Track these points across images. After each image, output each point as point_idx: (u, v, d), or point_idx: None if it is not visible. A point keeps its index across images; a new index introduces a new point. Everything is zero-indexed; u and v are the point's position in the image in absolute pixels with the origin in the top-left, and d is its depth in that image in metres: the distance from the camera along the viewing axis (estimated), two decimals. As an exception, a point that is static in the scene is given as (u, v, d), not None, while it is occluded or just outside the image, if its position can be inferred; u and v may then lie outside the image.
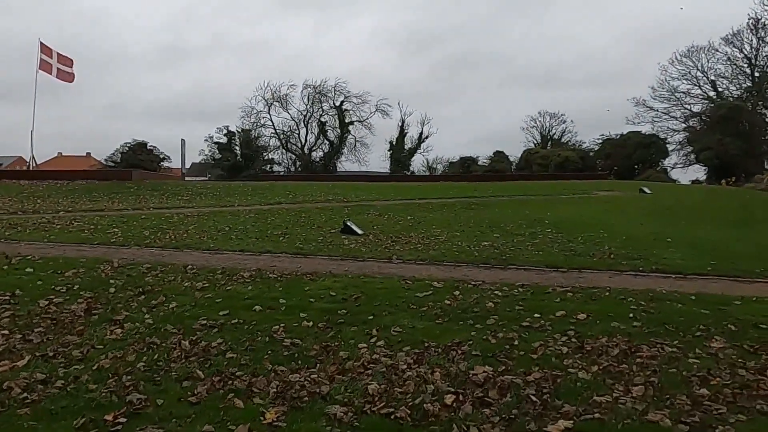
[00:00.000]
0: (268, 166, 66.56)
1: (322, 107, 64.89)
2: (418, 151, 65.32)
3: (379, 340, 4.81)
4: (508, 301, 6.09)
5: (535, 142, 61.92)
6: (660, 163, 42.54)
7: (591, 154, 46.59)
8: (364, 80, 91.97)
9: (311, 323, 5.25)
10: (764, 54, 39.51)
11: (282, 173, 62.03)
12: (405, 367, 4.21)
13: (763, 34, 38.89)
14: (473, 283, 6.99)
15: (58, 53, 33.34)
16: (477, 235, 11.85)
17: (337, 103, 64.08)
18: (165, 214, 13.84)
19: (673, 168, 43.56)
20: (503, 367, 4.20)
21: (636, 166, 42.23)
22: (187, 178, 58.90)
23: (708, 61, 42.94)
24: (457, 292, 6.41)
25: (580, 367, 4.22)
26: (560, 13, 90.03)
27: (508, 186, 26.22)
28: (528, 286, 6.86)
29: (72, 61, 34.66)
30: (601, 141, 47.28)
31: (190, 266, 7.62)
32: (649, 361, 4.34)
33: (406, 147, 64.89)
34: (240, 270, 7.45)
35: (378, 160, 73.55)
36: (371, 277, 7.31)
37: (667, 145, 42.90)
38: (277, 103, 64.68)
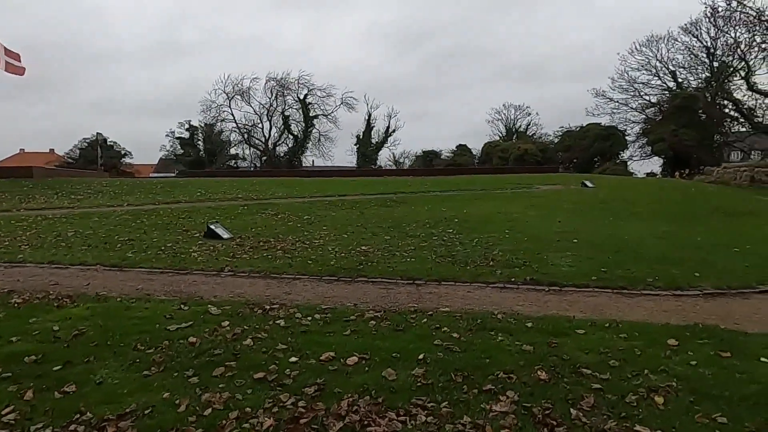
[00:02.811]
0: (233, 161, 64.69)
1: (285, 100, 62.87)
2: (385, 145, 64.02)
3: (13, 412, 3.29)
4: (281, 335, 4.62)
5: (501, 134, 60.87)
6: (619, 156, 41.65)
7: (551, 146, 45.51)
8: (353, 76, 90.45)
9: (-47, 383, 3.70)
10: (722, 44, 38.79)
11: (250, 169, 60.19)
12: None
13: (721, 23, 38.08)
14: (269, 306, 5.50)
15: (5, 47, 31.66)
16: (365, 238, 10.41)
17: (301, 96, 62.19)
18: (22, 217, 12.13)
19: (629, 160, 42.79)
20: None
21: (595, 159, 41.28)
22: (152, 175, 56.72)
23: (667, 51, 42.10)
24: (226, 322, 4.93)
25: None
26: (547, 8, 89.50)
27: (446, 180, 24.87)
28: (332, 310, 5.41)
29: (19, 55, 32.94)
30: (561, 133, 46.31)
31: None
32: (371, 446, 2.90)
33: (373, 141, 63.47)
34: (-15, 293, 5.86)
35: (345, 155, 72.27)
36: (147, 300, 5.79)
37: (627, 137, 42.04)
38: (238, 97, 62.65)
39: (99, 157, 34.86)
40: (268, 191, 19.06)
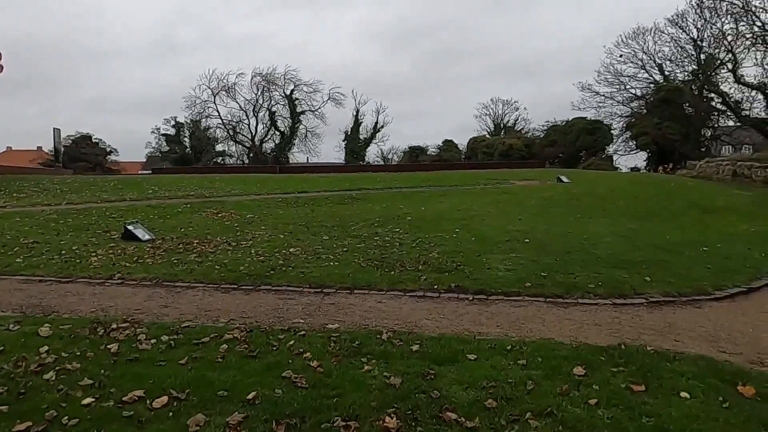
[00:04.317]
0: (219, 158, 63.58)
1: (271, 96, 61.46)
2: (374, 141, 62.86)
3: None
4: (99, 365, 3.76)
5: (488, 130, 59.94)
6: (605, 150, 40.80)
7: (537, 141, 44.63)
8: (348, 74, 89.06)
9: None
10: (709, 35, 37.95)
11: (237, 165, 59.07)
12: None
13: (708, 14, 37.25)
14: (116, 325, 4.63)
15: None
16: (300, 239, 9.56)
17: (288, 92, 60.81)
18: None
19: (615, 154, 41.93)
20: None
21: (581, 153, 40.42)
22: (140, 172, 55.56)
23: (654, 44, 41.20)
24: (46, 348, 4.05)
25: None
26: (545, 5, 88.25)
27: (420, 176, 24.03)
28: (188, 330, 4.55)
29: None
30: (546, 128, 45.42)
31: None
32: None
33: (361, 137, 62.34)
34: None
35: (333, 151, 71.28)
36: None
37: (612, 131, 41.14)
38: (223, 93, 61.33)
39: (57, 154, 33.64)
40: (226, 188, 18.14)
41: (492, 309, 5.67)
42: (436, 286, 6.35)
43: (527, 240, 9.27)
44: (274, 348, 4.10)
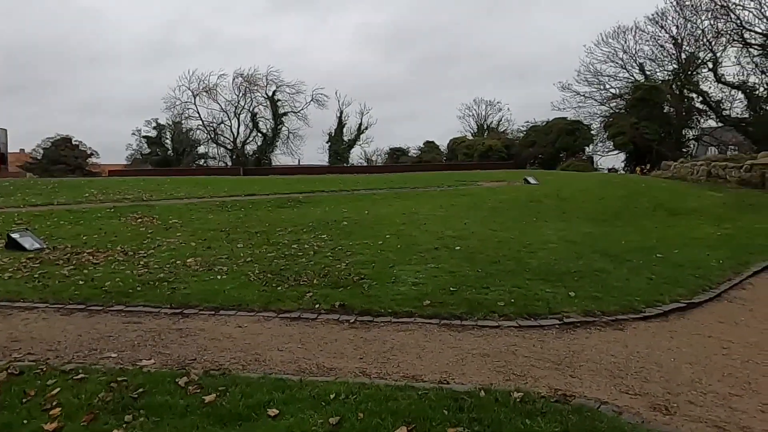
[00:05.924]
0: (202, 160, 62.53)
1: (254, 97, 60.42)
2: (358, 142, 62.03)
3: None
4: None
5: (472, 130, 59.20)
6: (585, 150, 40.03)
7: (517, 142, 43.84)
8: (348, 75, 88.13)
9: None
10: (688, 34, 37.25)
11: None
12: None
13: (688, 13, 36.64)
14: None
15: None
16: (211, 247, 8.66)
17: (270, 93, 59.79)
18: None
19: (594, 155, 41.16)
20: None
21: (561, 154, 39.64)
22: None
23: (635, 43, 40.56)
24: None
25: None
26: (540, 11, 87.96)
27: (385, 178, 23.14)
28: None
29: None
30: (526, 129, 44.65)
31: None
32: None
33: (345, 139, 61.48)
34: None
35: (316, 153, 70.16)
36: None
37: (592, 132, 40.32)
38: (204, 94, 60.23)
39: (2, 156, 32.37)
40: (171, 191, 17.12)
41: (370, 335, 4.77)
42: (318, 306, 5.44)
43: (458, 247, 8.39)
44: (27, 400, 3.15)
